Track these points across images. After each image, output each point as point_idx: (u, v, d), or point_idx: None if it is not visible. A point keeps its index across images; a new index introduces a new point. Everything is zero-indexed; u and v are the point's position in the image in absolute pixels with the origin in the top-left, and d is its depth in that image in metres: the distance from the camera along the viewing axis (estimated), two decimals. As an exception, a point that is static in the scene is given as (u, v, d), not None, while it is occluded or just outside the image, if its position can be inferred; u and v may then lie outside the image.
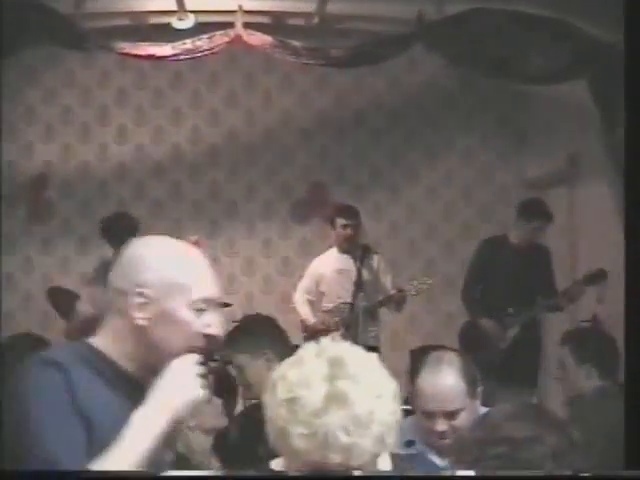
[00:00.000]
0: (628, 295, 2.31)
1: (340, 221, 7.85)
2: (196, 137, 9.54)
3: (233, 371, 4.45)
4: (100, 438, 2.30)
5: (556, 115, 8.64)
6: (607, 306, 7.00)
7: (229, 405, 4.51)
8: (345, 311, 7.58)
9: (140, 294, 2.44)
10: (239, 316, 8.23)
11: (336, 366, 2.10)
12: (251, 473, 2.02)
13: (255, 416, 2.51)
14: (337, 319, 7.73)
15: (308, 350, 2.17)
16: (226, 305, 8.26)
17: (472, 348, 6.99)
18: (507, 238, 7.69)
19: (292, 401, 2.08)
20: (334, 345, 2.17)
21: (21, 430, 2.30)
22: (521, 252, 7.52)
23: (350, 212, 7.90)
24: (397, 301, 7.65)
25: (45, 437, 2.27)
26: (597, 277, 7.09)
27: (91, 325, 2.57)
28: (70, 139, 9.45)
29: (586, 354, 4.57)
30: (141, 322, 2.44)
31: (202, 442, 4.06)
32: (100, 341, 2.49)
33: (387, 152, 9.56)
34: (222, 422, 4.16)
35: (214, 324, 2.47)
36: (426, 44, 7.69)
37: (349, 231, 7.80)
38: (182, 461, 3.95)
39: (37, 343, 5.01)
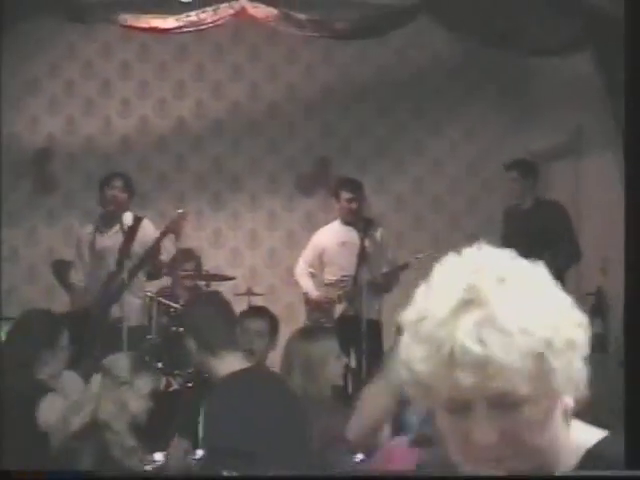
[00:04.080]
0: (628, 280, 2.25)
1: (344, 195, 7.79)
2: (200, 110, 9.51)
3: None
4: None
5: (561, 88, 8.59)
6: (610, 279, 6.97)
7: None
8: (348, 284, 7.56)
9: None
10: (243, 289, 8.28)
11: (477, 272, 1.51)
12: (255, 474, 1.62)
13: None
14: (340, 292, 7.65)
15: (442, 263, 1.60)
16: (229, 278, 8.31)
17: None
18: (520, 205, 7.59)
19: (417, 321, 1.50)
20: (476, 252, 1.57)
21: None
22: (532, 214, 7.42)
23: (354, 185, 7.86)
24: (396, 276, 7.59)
25: None
26: None
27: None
28: (74, 112, 9.43)
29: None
30: None
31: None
32: None
33: (392, 126, 9.52)
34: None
35: None
36: (430, 16, 7.66)
37: (353, 205, 7.76)
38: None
39: (45, 318, 4.95)
